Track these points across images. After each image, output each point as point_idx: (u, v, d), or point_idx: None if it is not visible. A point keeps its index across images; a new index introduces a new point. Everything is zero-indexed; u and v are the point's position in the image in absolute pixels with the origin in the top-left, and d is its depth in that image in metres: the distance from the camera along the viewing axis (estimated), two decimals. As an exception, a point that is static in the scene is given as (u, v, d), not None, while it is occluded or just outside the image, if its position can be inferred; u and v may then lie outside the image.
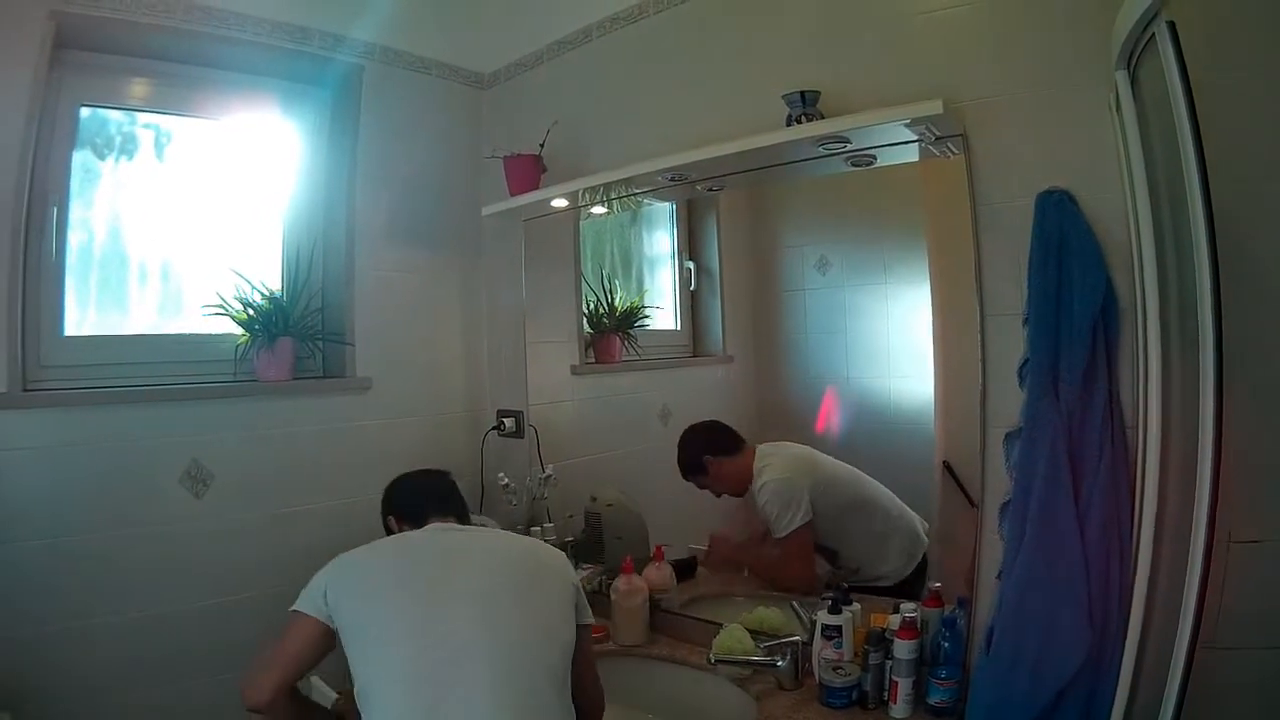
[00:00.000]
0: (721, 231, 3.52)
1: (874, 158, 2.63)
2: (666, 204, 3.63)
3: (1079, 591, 2.05)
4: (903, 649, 2.40)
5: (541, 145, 3.54)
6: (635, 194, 3.32)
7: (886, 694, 2.46)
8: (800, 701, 2.57)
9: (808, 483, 3.08)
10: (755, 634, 2.80)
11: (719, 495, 3.30)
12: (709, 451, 3.29)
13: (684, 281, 3.59)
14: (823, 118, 2.60)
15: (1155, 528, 1.91)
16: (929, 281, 2.72)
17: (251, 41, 3.35)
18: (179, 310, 3.47)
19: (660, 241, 3.84)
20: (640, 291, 3.82)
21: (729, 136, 2.72)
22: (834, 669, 2.51)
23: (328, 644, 2.17)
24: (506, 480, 3.78)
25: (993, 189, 2.40)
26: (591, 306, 3.79)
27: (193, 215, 3.49)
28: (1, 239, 2.82)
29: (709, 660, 2.73)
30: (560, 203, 3.42)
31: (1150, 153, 1.91)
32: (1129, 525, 2.04)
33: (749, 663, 2.71)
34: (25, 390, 2.91)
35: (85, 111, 3.22)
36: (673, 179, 3.00)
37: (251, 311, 3.42)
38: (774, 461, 3.17)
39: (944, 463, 2.69)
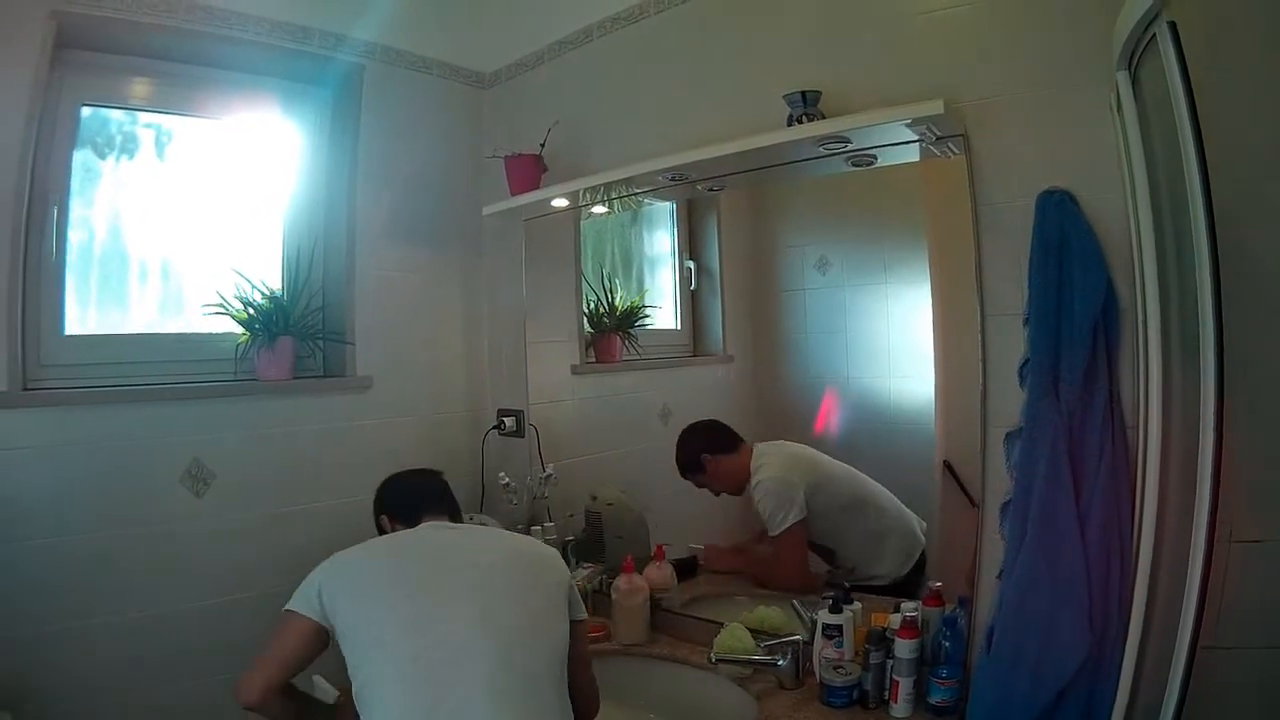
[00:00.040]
0: (722, 231, 3.52)
1: (875, 158, 2.63)
2: (667, 204, 3.64)
3: (1079, 591, 2.05)
4: (904, 648, 2.40)
5: (542, 145, 3.54)
6: (636, 194, 3.32)
7: (887, 693, 2.46)
8: (801, 701, 2.57)
9: (803, 481, 3.08)
10: (756, 633, 2.80)
11: (717, 494, 3.31)
12: (707, 450, 3.30)
13: (684, 281, 3.59)
14: (823, 118, 2.60)
15: (1156, 527, 1.91)
16: (929, 281, 2.73)
17: (252, 41, 3.35)
18: (179, 309, 3.47)
19: (661, 241, 3.84)
20: (641, 291, 3.82)
21: (730, 136, 2.72)
22: (835, 668, 2.51)
23: (321, 643, 2.17)
24: (507, 479, 3.77)
25: (993, 189, 2.40)
26: (592, 306, 3.79)
27: (193, 214, 3.49)
28: (2, 238, 2.82)
29: (710, 659, 2.72)
30: (561, 202, 3.42)
31: (1151, 153, 1.91)
32: (1129, 525, 2.04)
33: (750, 662, 2.71)
34: (26, 389, 2.91)
35: (86, 111, 3.22)
36: (673, 179, 3.00)
37: (252, 311, 3.42)
38: (770, 460, 3.17)
39: (944, 462, 2.69)
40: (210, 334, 3.44)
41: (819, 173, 2.86)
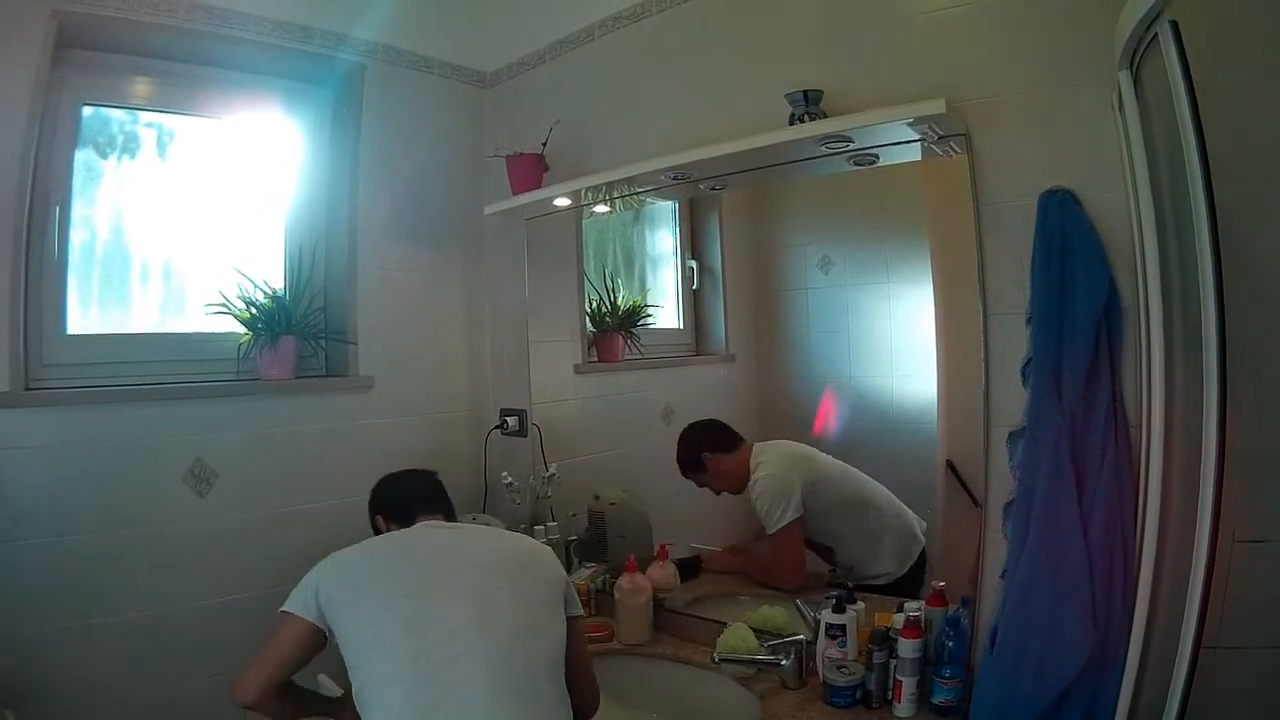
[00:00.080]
0: (724, 230, 3.52)
1: (876, 157, 2.62)
2: (669, 203, 3.63)
3: (1082, 591, 2.05)
4: (907, 648, 2.40)
5: (544, 144, 3.54)
6: (637, 193, 3.31)
7: (890, 693, 2.46)
8: (804, 701, 2.57)
9: (801, 480, 3.09)
10: (759, 633, 2.80)
11: (718, 493, 3.31)
12: (707, 449, 3.30)
13: (686, 280, 3.59)
14: (825, 117, 2.60)
15: (1159, 527, 1.91)
16: (931, 280, 2.72)
17: (254, 41, 3.35)
18: (181, 309, 3.47)
19: (663, 240, 3.84)
20: (643, 290, 3.82)
21: (732, 135, 2.72)
22: (838, 668, 2.51)
23: (317, 644, 2.18)
24: (510, 479, 3.77)
25: (996, 188, 2.40)
26: (594, 305, 3.79)
27: (195, 214, 3.49)
28: (4, 238, 2.82)
29: (713, 659, 2.72)
30: (563, 202, 3.42)
31: (1153, 152, 1.91)
32: (1132, 524, 2.04)
33: (753, 662, 2.70)
34: (28, 389, 2.91)
35: (87, 110, 3.22)
36: (675, 178, 3.00)
37: (254, 310, 3.43)
38: (769, 458, 3.18)
39: (947, 462, 2.69)
40: (212, 333, 3.45)
41: (821, 172, 2.86)
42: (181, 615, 3.16)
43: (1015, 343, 2.31)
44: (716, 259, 3.52)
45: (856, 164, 2.66)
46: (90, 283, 3.26)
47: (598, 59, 3.60)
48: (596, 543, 3.65)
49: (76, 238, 3.19)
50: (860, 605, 2.65)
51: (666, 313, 3.72)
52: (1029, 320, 2.23)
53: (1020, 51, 2.36)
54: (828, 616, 2.59)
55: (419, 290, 3.95)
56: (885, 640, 2.46)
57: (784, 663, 2.64)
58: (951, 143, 2.43)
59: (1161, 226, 1.91)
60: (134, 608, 3.06)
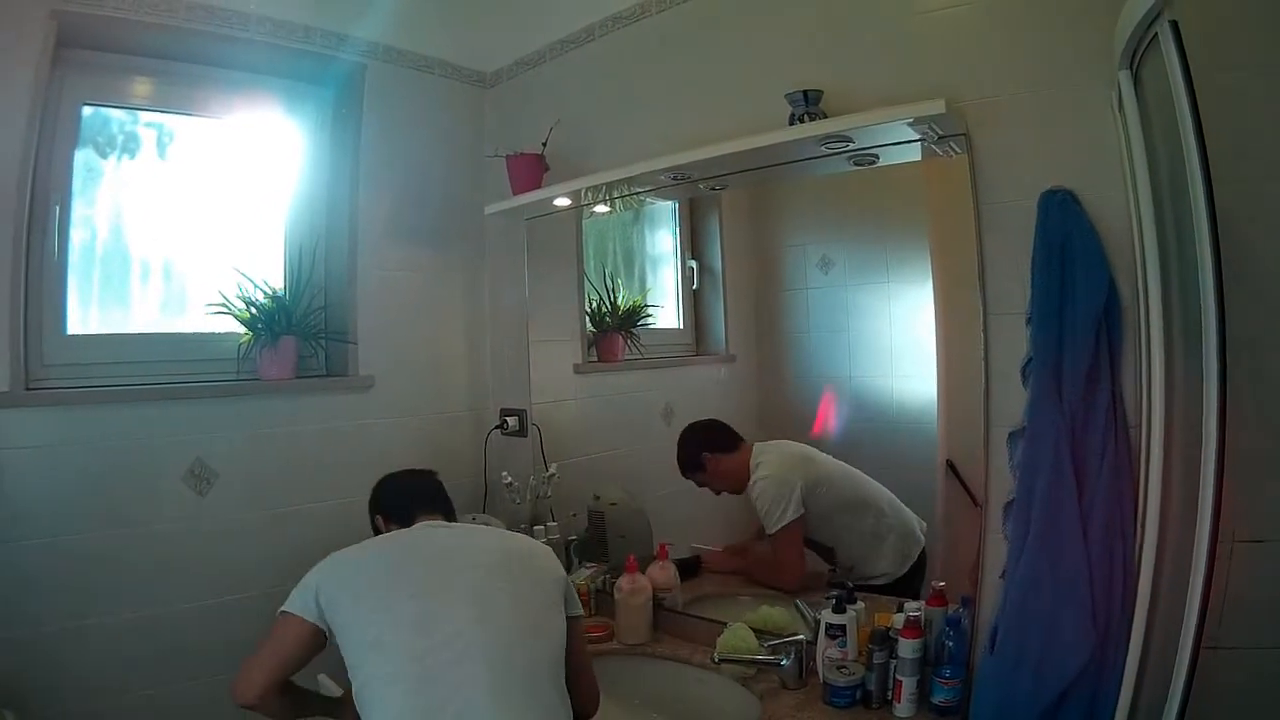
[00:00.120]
0: (724, 230, 3.51)
1: (876, 157, 2.62)
2: (669, 203, 3.63)
3: (1082, 591, 2.05)
4: (907, 648, 2.40)
5: (544, 144, 3.54)
6: (638, 193, 3.32)
7: (890, 693, 2.46)
8: (804, 701, 2.57)
9: (801, 479, 3.08)
10: (759, 633, 2.80)
11: (718, 493, 3.31)
12: (707, 449, 3.30)
13: (686, 280, 3.59)
14: (825, 117, 2.60)
15: (1159, 527, 1.91)
16: (931, 280, 2.72)
17: (254, 40, 3.35)
18: (182, 309, 3.48)
19: (663, 240, 3.84)
20: (643, 290, 3.82)
21: (732, 135, 2.72)
22: (838, 668, 2.51)
23: (317, 645, 2.18)
24: (510, 479, 3.77)
25: (996, 188, 2.40)
26: (594, 305, 3.79)
27: (195, 214, 3.49)
28: (4, 237, 2.82)
29: (713, 659, 2.73)
30: (563, 201, 3.42)
31: (1153, 152, 1.91)
32: (1132, 524, 2.04)
33: (753, 662, 2.71)
34: (28, 389, 2.92)
35: (87, 110, 3.22)
36: (675, 178, 3.00)
37: (254, 310, 3.43)
38: (769, 458, 3.18)
39: (947, 462, 2.69)
40: (212, 333, 3.45)
41: (821, 172, 2.86)
42: (181, 615, 3.16)
43: (1015, 342, 2.31)
44: (716, 259, 3.52)
45: (856, 164, 2.66)
46: (90, 283, 3.26)
47: (598, 59, 3.60)
48: (596, 543, 3.65)
49: (76, 237, 3.19)
50: (860, 605, 2.65)
51: (666, 313, 3.71)
52: (1029, 320, 2.23)
53: (1020, 51, 2.36)
54: (828, 616, 2.59)
55: (419, 290, 3.95)
56: (885, 640, 2.46)
57: (784, 663, 2.64)
58: (952, 143, 2.43)
59: (1162, 226, 1.91)
60: (133, 608, 3.06)
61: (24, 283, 2.89)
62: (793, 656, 2.64)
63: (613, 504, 3.63)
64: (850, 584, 2.71)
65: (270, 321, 3.43)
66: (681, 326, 3.64)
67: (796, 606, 2.88)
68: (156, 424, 3.13)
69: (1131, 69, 1.92)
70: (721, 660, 2.71)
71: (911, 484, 2.85)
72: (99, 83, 3.24)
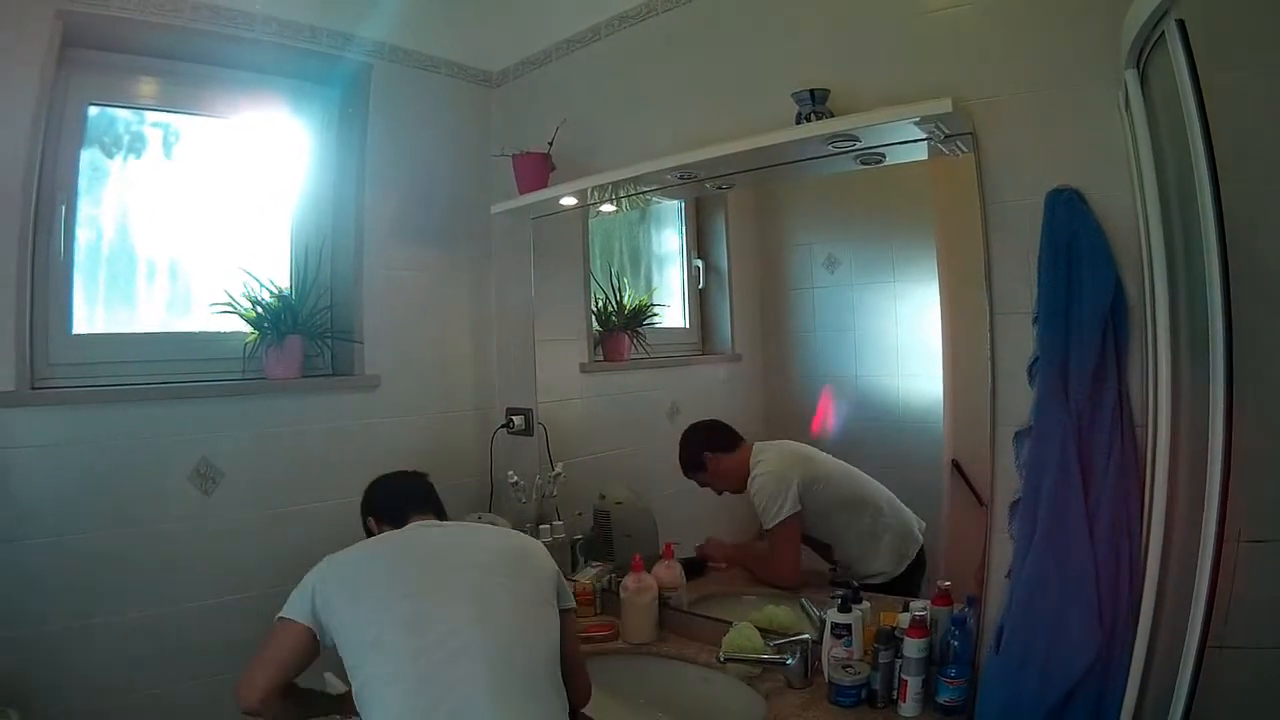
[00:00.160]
0: (730, 229, 3.51)
1: (883, 156, 2.61)
2: (675, 202, 3.62)
3: (1088, 590, 2.04)
4: (912, 648, 2.40)
5: (550, 143, 3.54)
6: (644, 192, 3.31)
7: (896, 693, 2.45)
8: (809, 700, 2.57)
9: (798, 477, 3.09)
10: (765, 632, 2.80)
11: (720, 493, 3.31)
12: (708, 448, 3.31)
13: (692, 279, 3.59)
14: (832, 116, 2.60)
15: (1165, 526, 1.91)
16: (938, 280, 2.72)
17: (260, 40, 3.35)
18: (187, 308, 3.48)
19: (669, 239, 3.84)
20: (649, 289, 3.82)
21: (738, 134, 2.72)
22: (843, 667, 2.51)
23: (316, 649, 2.19)
24: (516, 478, 3.77)
25: (1002, 187, 2.40)
26: (600, 304, 3.79)
27: (201, 213, 3.50)
28: (10, 237, 2.83)
29: (718, 658, 2.72)
30: (569, 201, 3.42)
31: (1160, 151, 1.91)
32: (1138, 524, 2.04)
33: (758, 661, 2.70)
34: (33, 388, 2.92)
35: (93, 110, 3.23)
36: (681, 177, 3.00)
37: (260, 309, 3.44)
38: (768, 456, 3.19)
39: (953, 461, 2.68)
40: (218, 333, 3.46)
41: (827, 171, 2.85)
42: (186, 614, 3.16)
43: (1021, 342, 2.31)
44: (722, 258, 3.52)
45: (863, 163, 2.65)
46: (96, 282, 3.27)
47: (604, 58, 3.60)
48: (602, 542, 3.66)
49: (82, 237, 3.20)
50: (866, 604, 2.65)
51: (672, 312, 3.71)
52: (1035, 319, 2.23)
53: (1026, 50, 2.36)
54: (833, 616, 2.59)
55: (425, 289, 3.96)
56: (890, 640, 2.45)
57: (789, 662, 2.64)
58: (958, 142, 2.43)
59: (1168, 225, 1.91)
60: (139, 607, 3.06)
61: (30, 282, 2.90)
62: (798, 656, 2.63)
63: (618, 503, 3.64)
64: (856, 583, 2.71)
65: (276, 321, 3.44)
66: (687, 326, 3.64)
67: (802, 606, 2.89)
68: (162, 423, 3.13)
69: (1138, 68, 1.91)
70: (727, 659, 2.71)
71: (917, 483, 2.85)
72: (105, 82, 3.24)
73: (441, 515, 2.70)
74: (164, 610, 3.11)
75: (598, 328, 3.81)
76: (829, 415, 3.09)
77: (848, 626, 2.56)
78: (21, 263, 2.85)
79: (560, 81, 3.81)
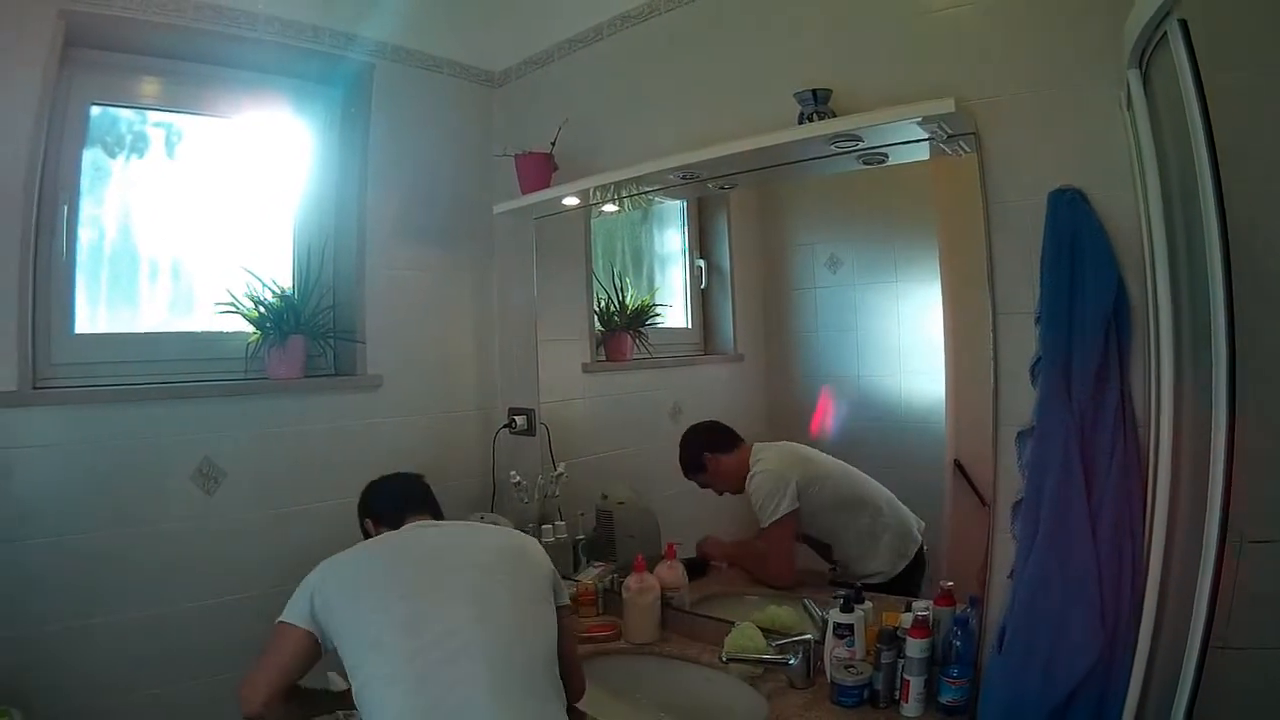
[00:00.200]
0: (732, 229, 3.51)
1: (886, 156, 2.61)
2: (677, 202, 3.63)
3: (1091, 591, 2.04)
4: (915, 648, 2.39)
5: (553, 143, 3.54)
6: (646, 192, 3.31)
7: (898, 693, 2.45)
8: (812, 700, 2.57)
9: (796, 476, 3.09)
10: (767, 632, 2.80)
11: (720, 493, 3.32)
12: (708, 449, 3.32)
13: (695, 279, 3.59)
14: (834, 116, 2.60)
15: (1168, 526, 1.91)
16: (940, 279, 2.72)
17: (262, 40, 3.36)
18: (190, 308, 3.48)
19: (671, 239, 3.84)
20: (651, 289, 3.82)
21: (740, 134, 2.72)
22: (846, 667, 2.51)
23: (318, 652, 2.20)
24: (518, 478, 3.77)
25: (1004, 187, 2.39)
26: (602, 304, 3.79)
27: (204, 213, 3.50)
28: (12, 237, 2.83)
29: (721, 658, 2.72)
30: (571, 201, 3.42)
31: (1162, 151, 1.91)
32: (1141, 524, 2.04)
33: (761, 661, 2.71)
34: (35, 388, 2.93)
35: (96, 110, 3.23)
36: (684, 177, 3.00)
37: (263, 309, 3.43)
38: (767, 456, 3.20)
39: (955, 461, 2.68)
40: (220, 333, 3.46)
41: (830, 171, 2.85)
42: (187, 614, 3.17)
43: (1024, 342, 2.31)
44: (725, 258, 3.52)
45: (866, 163, 2.65)
46: (98, 282, 3.27)
47: (606, 58, 3.60)
48: (604, 542, 3.66)
49: (85, 237, 3.20)
50: (868, 604, 2.65)
51: (675, 312, 3.71)
52: (1038, 319, 2.23)
53: (1029, 50, 2.36)
54: (835, 616, 2.59)
55: (427, 289, 3.96)
56: (893, 640, 2.45)
57: (792, 662, 2.64)
58: (961, 142, 2.43)
59: (1171, 225, 1.91)
60: (140, 607, 3.06)
61: (32, 282, 2.90)
62: (800, 656, 2.63)
63: (620, 503, 3.64)
64: (859, 584, 2.71)
65: (279, 321, 3.43)
66: (690, 326, 3.63)
67: (804, 606, 2.88)
68: (164, 423, 3.13)
69: (1141, 68, 1.91)
70: (729, 659, 2.71)
71: (919, 483, 2.85)
72: (107, 82, 3.24)
73: (438, 516, 2.73)
74: (165, 610, 3.11)
75: (600, 328, 3.82)
76: (827, 417, 3.09)
77: (850, 626, 2.56)
78: (24, 263, 2.85)
79: (563, 81, 3.81)
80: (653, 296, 3.78)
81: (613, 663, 2.95)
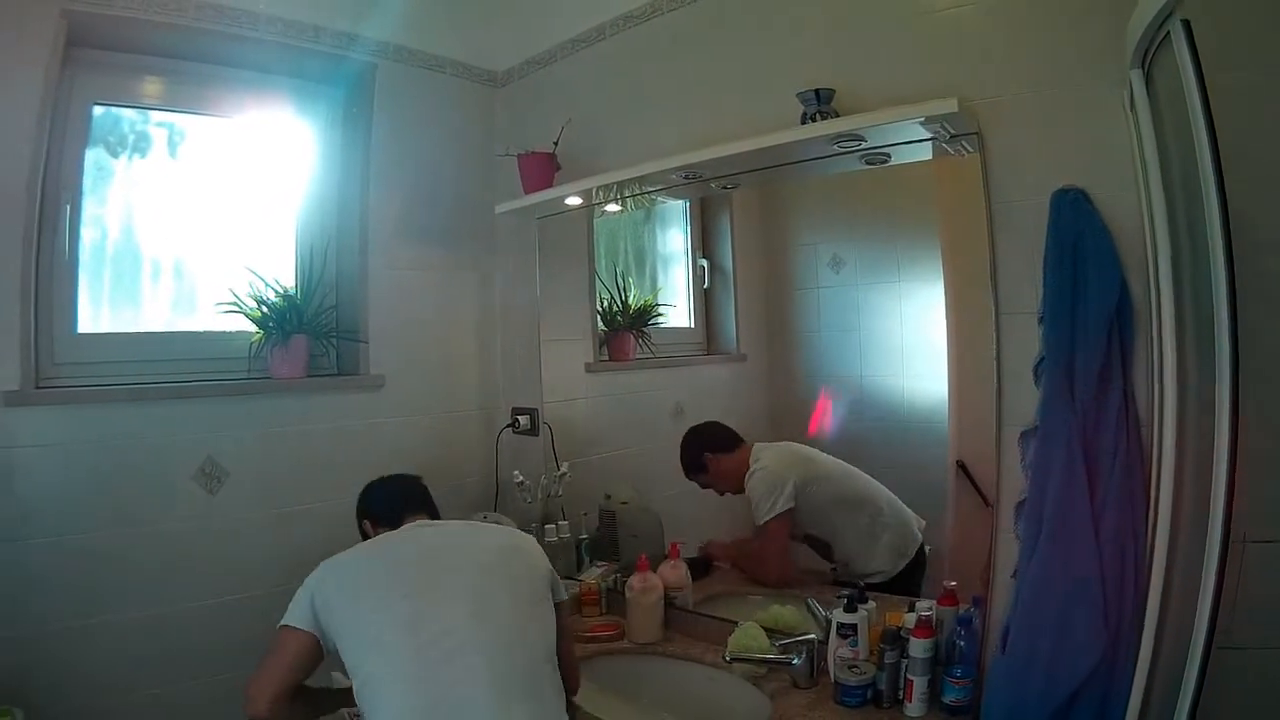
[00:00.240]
0: (735, 229, 3.52)
1: (888, 156, 2.61)
2: (680, 202, 3.63)
3: (1094, 591, 2.04)
4: (918, 648, 2.39)
5: (555, 143, 3.54)
6: (649, 192, 3.31)
7: (901, 693, 2.45)
8: (815, 700, 2.57)
9: (796, 476, 3.11)
10: (770, 632, 2.80)
11: (722, 494, 3.32)
12: (709, 449, 3.33)
13: (697, 279, 3.59)
14: (837, 116, 2.59)
15: (1170, 526, 1.90)
16: (943, 280, 2.72)
17: (264, 40, 3.35)
18: (192, 308, 3.48)
19: (674, 239, 3.84)
20: (654, 289, 3.82)
21: (743, 134, 2.72)
22: (849, 667, 2.50)
23: (320, 654, 2.20)
24: (521, 478, 3.77)
25: (1007, 187, 2.39)
26: (605, 304, 3.79)
27: (206, 213, 3.50)
28: (15, 236, 2.83)
29: (724, 658, 2.73)
30: (574, 201, 3.42)
31: (1165, 151, 1.91)
32: (1144, 524, 2.04)
33: (764, 661, 2.71)
34: (38, 387, 2.93)
35: (98, 110, 3.23)
36: (687, 177, 3.00)
37: (265, 309, 3.43)
38: (766, 455, 3.21)
39: (958, 462, 2.68)
40: (223, 332, 3.46)
41: (832, 171, 2.85)
42: (188, 614, 3.16)
43: (1027, 342, 2.31)
44: (727, 258, 3.52)
45: (868, 163, 2.65)
46: (101, 281, 3.27)
47: (609, 58, 3.59)
48: (607, 542, 3.66)
49: (87, 236, 3.20)
50: (871, 604, 2.64)
51: (678, 312, 3.71)
52: (1041, 319, 2.23)
53: (1031, 50, 2.35)
54: (839, 616, 2.58)
55: (430, 289, 3.95)
56: (896, 640, 2.45)
57: (795, 662, 2.64)
58: (963, 142, 2.42)
59: (1174, 225, 1.90)
60: (141, 607, 3.06)
61: (34, 281, 2.89)
62: (804, 656, 2.64)
63: (624, 503, 3.64)
64: (862, 583, 2.71)
65: (281, 320, 3.43)
66: (693, 325, 3.64)
67: (807, 605, 2.89)
68: (167, 423, 3.13)
69: (1144, 68, 1.91)
70: (733, 659, 2.71)
71: (922, 483, 2.85)
72: (109, 82, 3.24)
73: (435, 517, 2.73)
74: (166, 610, 3.11)
75: (603, 327, 3.82)
76: (826, 417, 3.09)
77: (853, 626, 2.56)
78: (26, 262, 2.85)
79: (565, 81, 3.81)
80: (655, 296, 3.78)
81: (616, 662, 2.95)
